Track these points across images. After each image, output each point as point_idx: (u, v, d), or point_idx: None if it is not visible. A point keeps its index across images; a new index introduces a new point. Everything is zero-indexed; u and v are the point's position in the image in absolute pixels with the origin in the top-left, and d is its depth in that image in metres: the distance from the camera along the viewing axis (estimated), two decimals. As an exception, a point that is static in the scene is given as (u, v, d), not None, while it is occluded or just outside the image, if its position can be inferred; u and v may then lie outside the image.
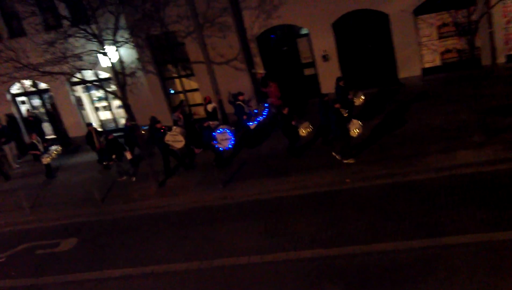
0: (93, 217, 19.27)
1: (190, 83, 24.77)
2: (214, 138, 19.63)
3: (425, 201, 15.05)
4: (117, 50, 19.34)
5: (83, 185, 21.53)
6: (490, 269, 12.08)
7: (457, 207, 14.40)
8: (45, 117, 26.82)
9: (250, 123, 20.97)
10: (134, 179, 21.15)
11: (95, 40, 18.36)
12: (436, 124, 18.69)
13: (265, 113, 21.63)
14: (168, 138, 20.25)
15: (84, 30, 18.19)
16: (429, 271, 12.54)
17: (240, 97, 21.14)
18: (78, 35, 18.46)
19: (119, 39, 19.09)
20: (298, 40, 23.67)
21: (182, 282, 14.70)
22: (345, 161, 18.01)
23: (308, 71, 23.79)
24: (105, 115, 26.31)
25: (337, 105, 17.79)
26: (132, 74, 19.38)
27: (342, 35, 22.95)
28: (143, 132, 21.65)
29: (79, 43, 19.53)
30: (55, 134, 26.75)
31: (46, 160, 22.57)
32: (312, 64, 23.63)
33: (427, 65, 22.92)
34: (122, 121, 25.04)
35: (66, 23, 20.15)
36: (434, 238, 13.51)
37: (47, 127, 26.77)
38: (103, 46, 18.60)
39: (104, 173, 22.22)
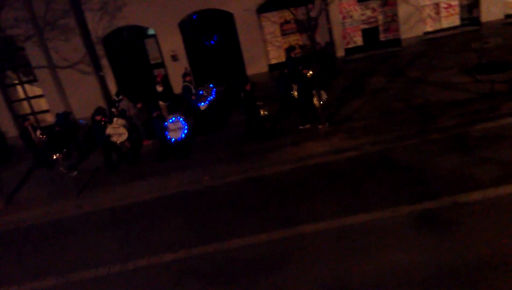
0: None
1: (34, 90, 23.56)
2: (167, 129, 18.50)
3: (279, 193, 15.59)
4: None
5: None
6: (343, 253, 12.80)
7: (309, 196, 15.08)
8: None
9: (201, 104, 19.95)
10: (76, 173, 19.49)
11: None
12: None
13: (213, 94, 20.70)
14: (110, 131, 18.94)
15: None
16: (286, 260, 12.98)
17: (187, 78, 20.09)
18: None
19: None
20: (145, 40, 23.43)
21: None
22: (301, 127, 18.29)
23: (157, 72, 23.60)
24: None
25: (305, 71, 17.93)
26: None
27: (190, 35, 23.07)
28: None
29: None
30: None
31: None
32: (161, 65, 23.50)
33: (273, 61, 23.74)
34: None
35: None
36: (289, 228, 14.02)
37: None
38: None
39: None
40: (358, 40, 23.67)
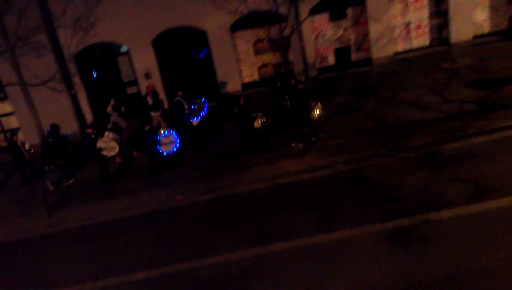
0: None
1: (4, 107, 23.25)
2: (159, 142, 18.34)
3: (252, 211, 15.59)
4: None
5: None
6: (316, 271, 12.81)
7: (282, 214, 15.10)
8: None
9: (194, 119, 19.89)
10: (71, 181, 19.31)
11: None
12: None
13: (205, 108, 20.62)
14: (101, 144, 18.62)
15: None
16: (258, 278, 12.95)
17: (179, 93, 20.02)
18: None
19: None
20: (118, 58, 23.33)
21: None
22: (313, 139, 18.32)
23: (130, 90, 23.50)
24: None
25: (300, 86, 17.99)
26: None
27: (163, 52, 23.06)
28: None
29: None
30: None
31: None
32: (134, 82, 23.40)
33: (246, 80, 23.85)
34: None
35: None
36: (262, 246, 14.01)
37: None
38: None
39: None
40: (330, 59, 23.93)
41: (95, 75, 23.36)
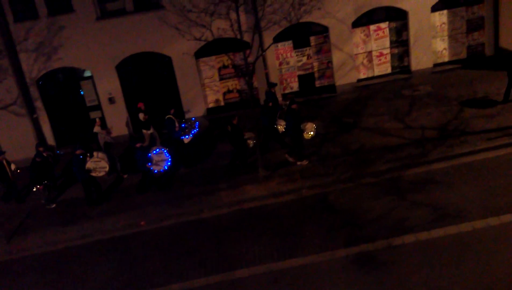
0: None
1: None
2: (150, 160, 18.05)
3: (217, 237, 15.51)
4: None
5: None
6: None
7: (246, 240, 15.07)
8: None
9: (186, 137, 19.88)
10: (54, 205, 18.72)
11: None
12: (221, 163, 19.50)
13: (196, 126, 20.62)
14: (90, 165, 18.21)
15: None
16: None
17: (171, 111, 19.95)
18: None
19: None
20: (82, 83, 23.13)
21: None
22: (299, 163, 18.24)
23: (94, 114, 23.26)
24: None
25: (294, 106, 17.92)
26: None
27: (128, 77, 22.98)
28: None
29: None
30: None
31: None
32: (98, 107, 23.20)
33: (211, 105, 23.90)
34: None
35: None
36: (227, 272, 13.93)
37: None
38: None
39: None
40: (294, 86, 24.19)
41: (82, 92, 23.11)
